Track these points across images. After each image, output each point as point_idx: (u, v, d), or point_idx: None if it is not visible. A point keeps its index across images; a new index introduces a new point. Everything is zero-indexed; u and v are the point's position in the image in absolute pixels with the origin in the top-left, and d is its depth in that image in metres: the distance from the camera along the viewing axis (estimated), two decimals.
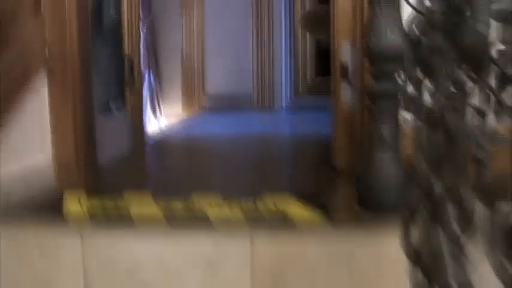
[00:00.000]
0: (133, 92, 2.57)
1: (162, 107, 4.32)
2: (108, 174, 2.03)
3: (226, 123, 3.71)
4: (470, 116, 0.71)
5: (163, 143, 2.88)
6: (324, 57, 4.79)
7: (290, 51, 4.73)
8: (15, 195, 1.57)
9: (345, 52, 1.76)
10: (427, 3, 0.77)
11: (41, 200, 1.62)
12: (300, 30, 4.76)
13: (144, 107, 2.74)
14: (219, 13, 4.63)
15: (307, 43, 4.78)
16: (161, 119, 4.09)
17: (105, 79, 2.33)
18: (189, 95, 4.68)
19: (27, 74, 1.68)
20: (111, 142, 2.29)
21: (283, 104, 4.68)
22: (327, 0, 4.62)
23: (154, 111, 4.08)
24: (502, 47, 0.68)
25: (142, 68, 3.92)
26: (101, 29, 2.30)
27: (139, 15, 2.69)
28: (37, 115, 1.75)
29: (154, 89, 4.13)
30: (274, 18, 4.65)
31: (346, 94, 1.76)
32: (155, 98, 4.13)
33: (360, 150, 1.68)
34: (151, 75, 4.04)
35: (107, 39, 2.36)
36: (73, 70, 1.83)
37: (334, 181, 1.79)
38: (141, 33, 3.90)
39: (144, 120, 2.76)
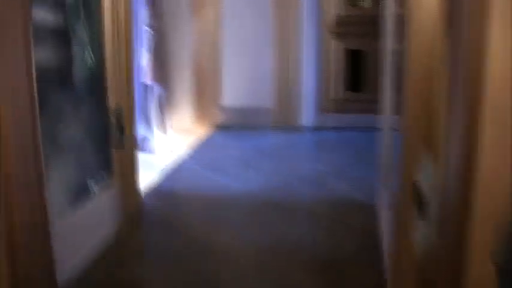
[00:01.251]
0: (123, 155, 2.00)
1: (170, 123, 3.75)
2: None
3: (241, 166, 3.14)
4: None
5: (165, 212, 2.29)
6: (355, 69, 4.15)
7: (316, 62, 4.10)
8: None
9: (424, 173, 1.17)
10: None
11: None
12: (328, 37, 4.11)
13: (137, 170, 2.15)
14: (236, 13, 3.99)
15: (336, 52, 4.13)
16: (169, 138, 3.53)
17: (82, 151, 1.76)
18: (202, 110, 4.11)
19: None
20: (88, 239, 1.75)
21: (306, 123, 4.08)
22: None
23: (162, 128, 3.52)
24: None
25: (150, 81, 3.35)
26: (72, 85, 1.70)
27: (130, 47, 2.07)
28: None
29: (163, 103, 3.57)
30: (298, 21, 4.00)
31: (423, 236, 1.18)
32: (163, 113, 3.56)
33: None
34: (159, 87, 3.46)
35: (83, 96, 1.76)
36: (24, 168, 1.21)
37: None
38: (148, 41, 3.32)
39: (138, 187, 2.18)
